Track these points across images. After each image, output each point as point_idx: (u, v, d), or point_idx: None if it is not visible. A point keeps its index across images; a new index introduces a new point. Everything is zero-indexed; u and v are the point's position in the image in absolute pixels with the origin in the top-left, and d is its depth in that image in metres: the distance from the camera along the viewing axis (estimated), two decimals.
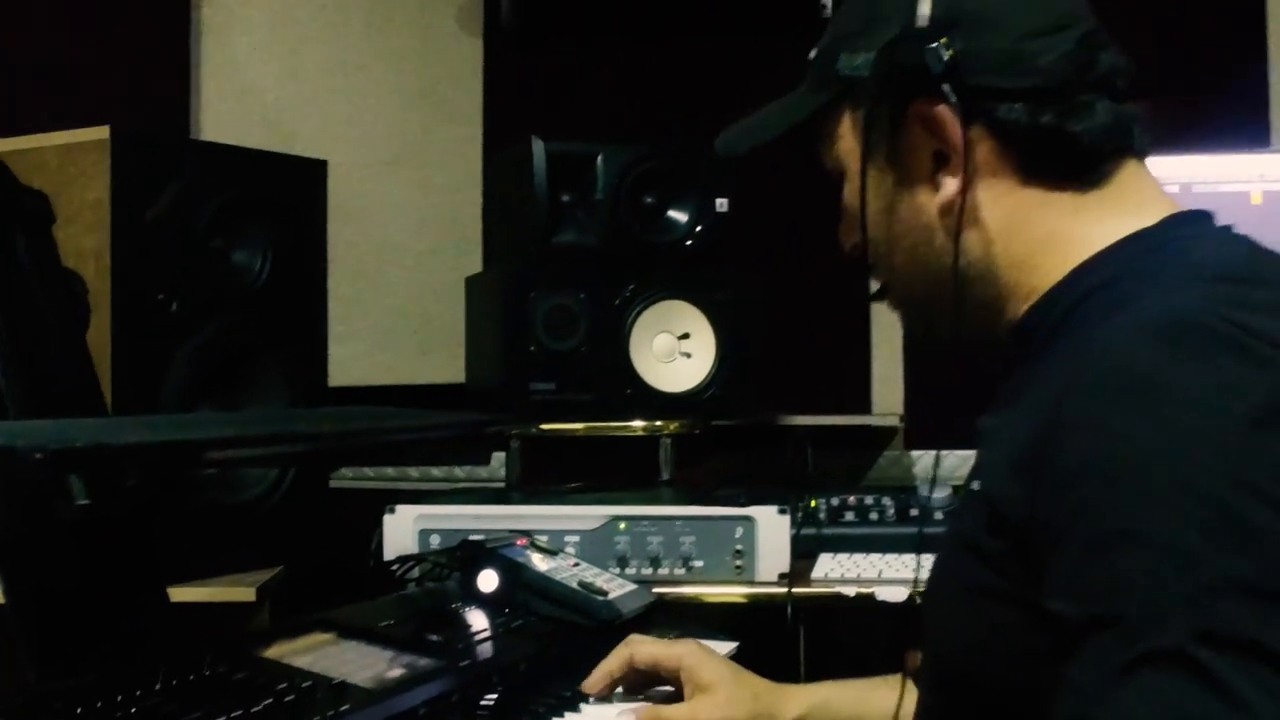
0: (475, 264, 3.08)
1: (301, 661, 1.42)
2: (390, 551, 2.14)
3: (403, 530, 2.14)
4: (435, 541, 2.14)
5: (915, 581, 2.07)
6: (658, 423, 2.53)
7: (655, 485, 2.56)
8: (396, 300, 3.07)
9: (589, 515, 2.16)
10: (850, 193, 1.22)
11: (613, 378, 2.49)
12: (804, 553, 2.21)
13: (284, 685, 1.30)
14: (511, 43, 3.17)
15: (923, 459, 3.03)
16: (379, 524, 2.16)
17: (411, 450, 1.79)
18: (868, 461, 3.07)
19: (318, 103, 2.98)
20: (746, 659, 1.84)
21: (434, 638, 1.60)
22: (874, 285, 1.28)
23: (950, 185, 1.13)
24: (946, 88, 1.10)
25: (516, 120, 3.11)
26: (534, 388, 2.45)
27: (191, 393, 2.14)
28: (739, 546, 2.14)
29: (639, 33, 3.13)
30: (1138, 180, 1.16)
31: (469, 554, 1.88)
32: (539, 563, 1.89)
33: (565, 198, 2.48)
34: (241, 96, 2.89)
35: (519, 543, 1.97)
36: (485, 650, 1.64)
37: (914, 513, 2.32)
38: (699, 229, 2.53)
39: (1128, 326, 0.99)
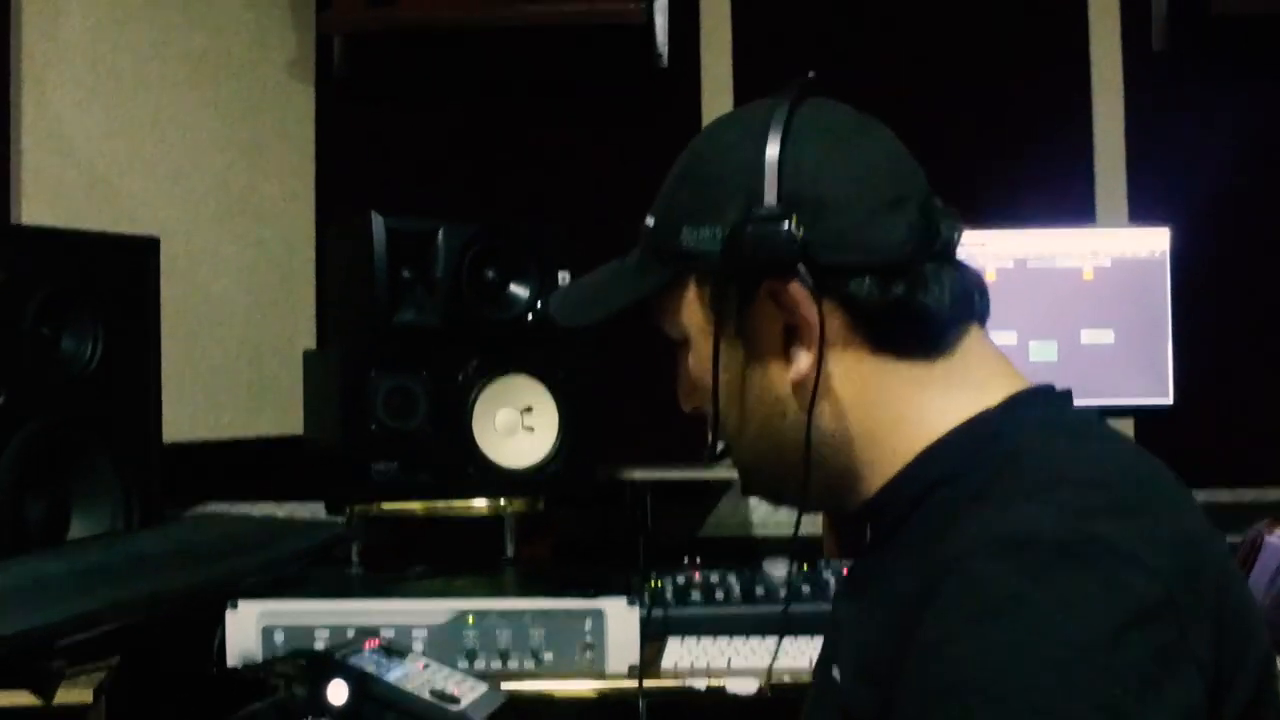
0: (307, 321, 3.02)
1: None
2: (233, 651, 2.09)
3: (245, 628, 2.09)
4: (280, 640, 2.10)
5: (765, 671, 2.10)
6: (501, 502, 2.52)
7: (499, 566, 2.54)
8: (228, 358, 2.99)
9: (436, 610, 2.14)
10: (695, 362, 1.21)
11: (455, 456, 2.46)
12: (652, 635, 2.22)
13: None
14: (344, 94, 3.12)
15: (759, 507, 3.06)
16: (220, 619, 2.11)
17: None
18: (705, 510, 3.09)
19: (142, 157, 2.88)
20: None
21: None
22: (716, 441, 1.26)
23: (803, 359, 1.13)
24: (801, 267, 1.10)
25: (350, 172, 3.06)
26: (375, 468, 2.42)
27: (21, 486, 2.07)
28: (589, 639, 2.14)
29: (474, 88, 3.10)
30: (980, 348, 1.17)
31: (317, 666, 1.85)
32: (388, 671, 1.87)
33: (405, 274, 2.44)
34: (64, 153, 2.78)
35: (368, 645, 1.95)
36: None
37: (759, 591, 2.34)
38: (540, 303, 2.52)
39: (981, 540, 0.99)
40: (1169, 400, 2.60)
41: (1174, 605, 0.94)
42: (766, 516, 3.03)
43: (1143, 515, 1.00)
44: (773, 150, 1.11)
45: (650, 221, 1.21)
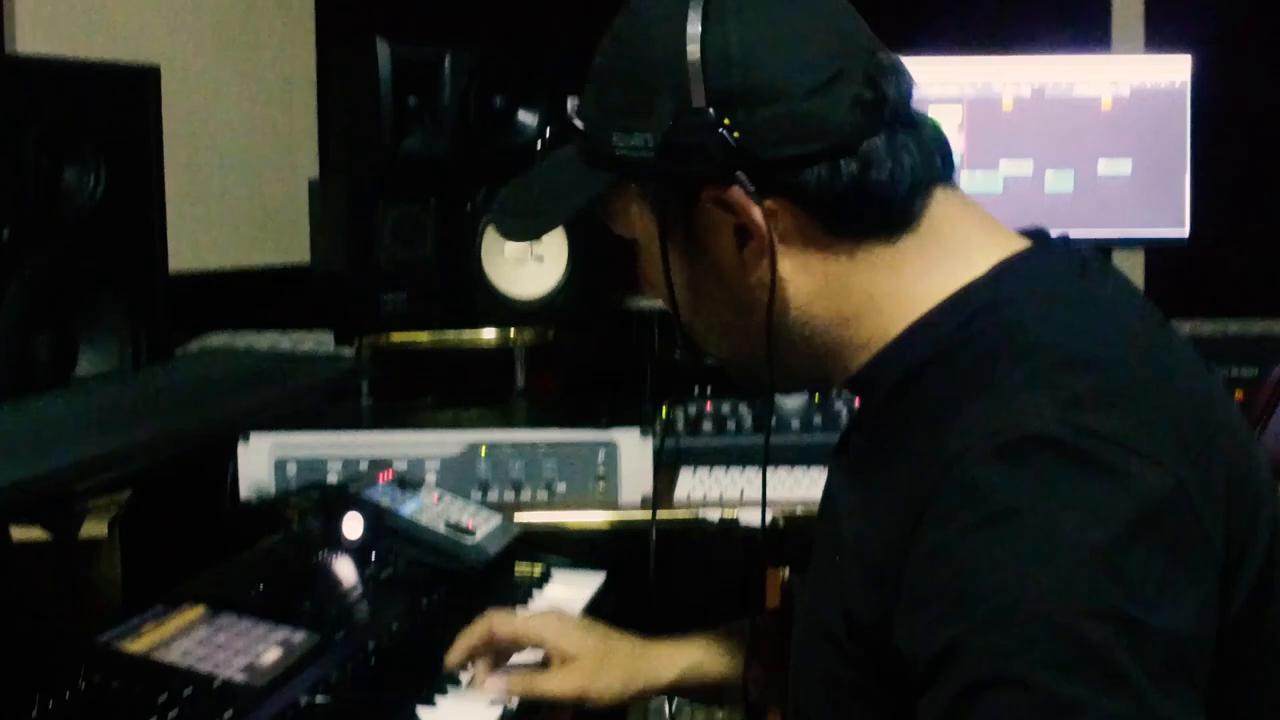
0: (309, 150, 2.97)
1: (176, 654, 1.40)
2: (245, 484, 2.10)
3: (258, 461, 2.10)
4: (292, 472, 2.10)
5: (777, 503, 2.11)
6: (511, 332, 2.50)
7: (509, 398, 2.54)
8: (229, 189, 2.95)
9: (449, 442, 2.14)
10: (649, 265, 1.15)
11: (464, 286, 2.44)
12: (664, 466, 2.23)
13: (165, 697, 1.28)
14: None
15: None
16: (232, 452, 2.11)
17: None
18: None
19: None
20: (614, 589, 1.88)
21: (306, 605, 1.59)
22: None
23: (757, 261, 1.07)
24: (740, 173, 1.04)
25: (350, 9, 2.98)
26: (384, 298, 2.40)
27: (27, 325, 2.05)
28: (601, 471, 2.15)
29: None
30: (953, 212, 1.10)
31: (332, 500, 1.86)
32: (403, 504, 1.87)
33: (411, 102, 2.39)
34: None
35: (382, 478, 1.95)
36: (358, 613, 1.63)
37: (771, 422, 2.34)
38: (549, 130, 2.47)
39: (978, 440, 0.95)
40: (1185, 233, 2.56)
41: (1184, 492, 0.92)
42: None
43: (1145, 396, 0.97)
44: (694, 32, 1.03)
45: (580, 124, 1.13)
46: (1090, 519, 0.90)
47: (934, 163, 1.09)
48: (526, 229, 1.27)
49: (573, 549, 2.00)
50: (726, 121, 1.03)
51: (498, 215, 1.29)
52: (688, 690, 1.53)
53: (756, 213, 1.04)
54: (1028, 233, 1.12)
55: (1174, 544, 0.91)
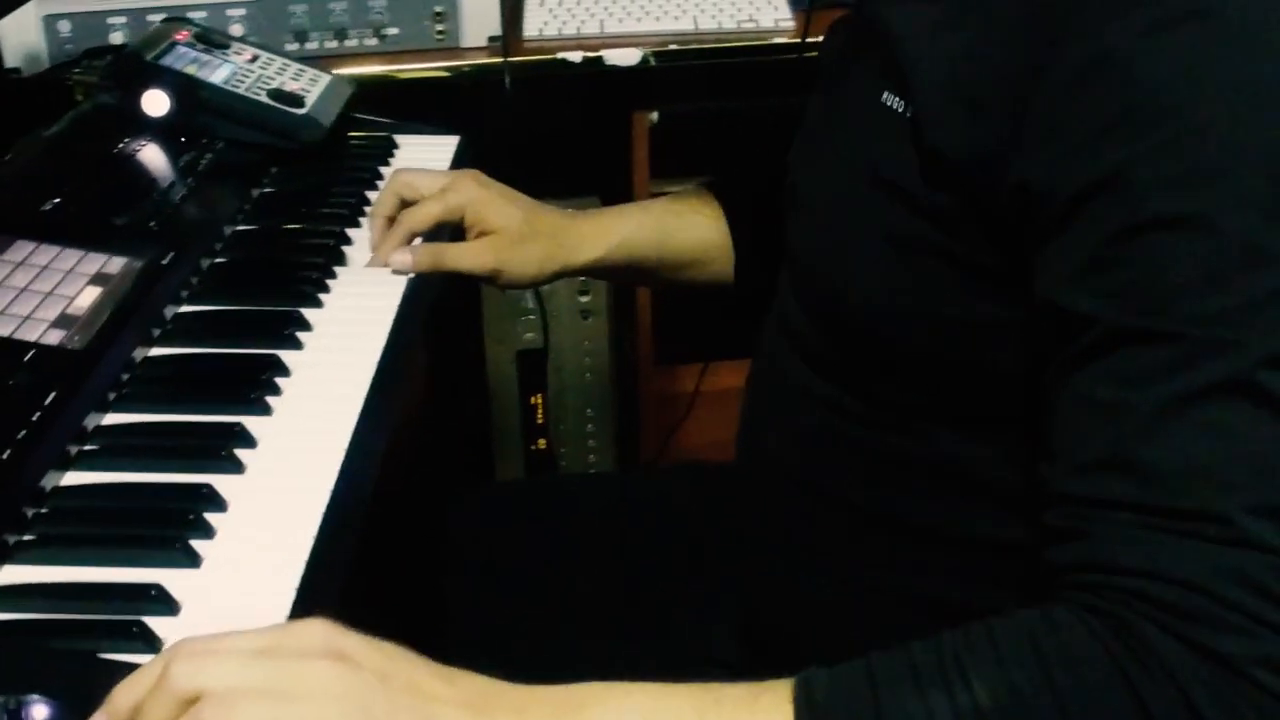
0: None
1: None
2: (11, 50, 1.72)
3: (24, 22, 1.71)
4: (65, 31, 1.73)
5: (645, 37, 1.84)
6: None
7: None
8: None
9: None
10: None
11: None
12: None
13: None
14: None
15: None
16: None
17: None
18: None
19: None
20: (469, 155, 1.62)
21: (118, 219, 1.30)
22: None
23: None
24: None
25: None
26: None
27: None
28: (439, 8, 1.82)
29: None
30: None
31: (125, 71, 1.52)
32: (212, 70, 1.54)
33: None
34: None
35: (179, 36, 1.61)
36: (185, 220, 1.34)
37: None
38: None
39: None
40: None
41: None
42: None
43: None
44: None
45: None
46: None
47: None
48: None
49: (411, 108, 1.72)
50: None
51: None
52: (611, 270, 1.33)
53: None
54: None
55: None
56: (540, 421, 2.15)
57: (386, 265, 1.27)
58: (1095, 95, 0.74)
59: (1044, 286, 0.78)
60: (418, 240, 1.29)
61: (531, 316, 2.11)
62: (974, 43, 0.83)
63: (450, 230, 1.32)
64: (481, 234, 1.28)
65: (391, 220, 1.30)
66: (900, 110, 0.88)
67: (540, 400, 2.13)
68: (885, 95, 0.90)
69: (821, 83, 1.08)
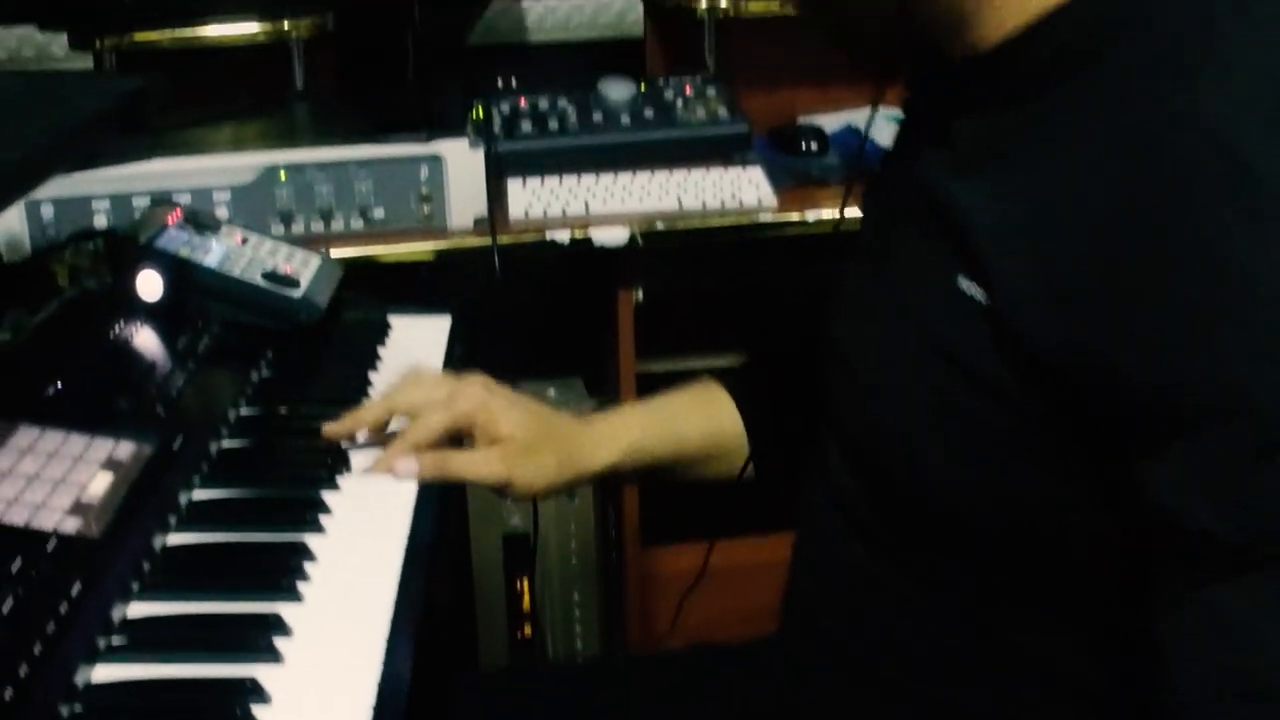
0: None
1: None
2: None
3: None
4: (49, 216, 1.71)
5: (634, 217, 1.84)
6: (285, 24, 2.10)
7: (287, 103, 2.15)
8: None
9: (240, 167, 1.77)
10: None
11: None
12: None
13: None
14: None
15: (534, 7, 2.69)
16: None
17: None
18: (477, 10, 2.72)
19: None
20: (461, 333, 1.60)
21: (121, 403, 1.26)
22: None
23: None
24: None
25: None
26: None
27: None
28: (425, 191, 1.82)
29: None
30: None
31: (118, 253, 1.50)
32: (205, 253, 1.52)
33: None
34: None
35: (171, 220, 1.59)
36: (188, 403, 1.31)
37: (597, 117, 2.04)
38: None
39: (1235, 109, 0.73)
40: None
41: None
42: (543, 17, 2.66)
43: None
44: None
45: None
46: None
47: None
48: None
49: (399, 288, 1.70)
50: None
51: None
52: (628, 474, 1.28)
53: None
54: None
55: None
56: (526, 609, 2.09)
57: (389, 473, 1.20)
58: (1189, 289, 0.73)
59: (1155, 493, 0.76)
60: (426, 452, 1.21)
61: None
62: (1061, 234, 0.81)
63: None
64: (491, 442, 1.21)
65: (379, 430, 1.25)
66: (979, 299, 0.85)
67: (526, 585, 2.08)
68: (961, 280, 0.87)
69: (865, 252, 1.06)
